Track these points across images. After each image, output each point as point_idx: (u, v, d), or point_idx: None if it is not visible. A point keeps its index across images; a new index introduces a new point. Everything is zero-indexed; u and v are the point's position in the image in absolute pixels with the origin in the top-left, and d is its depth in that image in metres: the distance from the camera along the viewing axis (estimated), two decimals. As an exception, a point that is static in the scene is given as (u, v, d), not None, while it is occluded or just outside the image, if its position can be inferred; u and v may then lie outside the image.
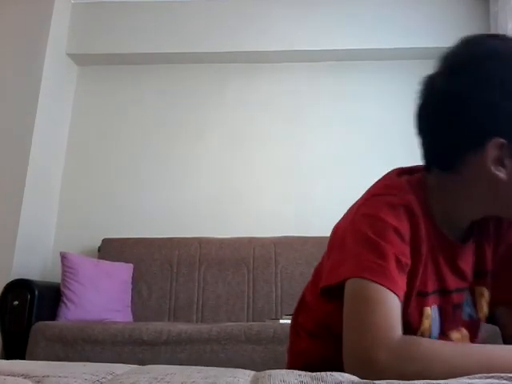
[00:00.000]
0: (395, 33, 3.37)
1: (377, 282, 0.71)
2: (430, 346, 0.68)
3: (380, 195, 0.83)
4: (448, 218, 0.84)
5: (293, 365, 0.94)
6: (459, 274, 0.87)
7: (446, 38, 3.60)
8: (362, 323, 0.70)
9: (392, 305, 0.71)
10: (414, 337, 0.71)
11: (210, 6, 3.51)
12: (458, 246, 0.86)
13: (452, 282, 0.86)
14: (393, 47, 3.38)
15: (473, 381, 0.50)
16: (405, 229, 0.78)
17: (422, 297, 0.83)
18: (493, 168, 0.74)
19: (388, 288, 0.71)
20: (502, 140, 0.73)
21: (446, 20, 3.33)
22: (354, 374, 0.61)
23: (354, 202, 0.92)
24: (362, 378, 0.60)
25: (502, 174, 0.74)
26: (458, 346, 0.71)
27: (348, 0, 3.47)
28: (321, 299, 0.87)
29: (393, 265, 0.73)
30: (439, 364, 0.64)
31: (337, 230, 0.91)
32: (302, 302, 0.99)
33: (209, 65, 3.57)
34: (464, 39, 0.86)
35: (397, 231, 0.76)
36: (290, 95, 3.50)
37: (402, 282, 0.75)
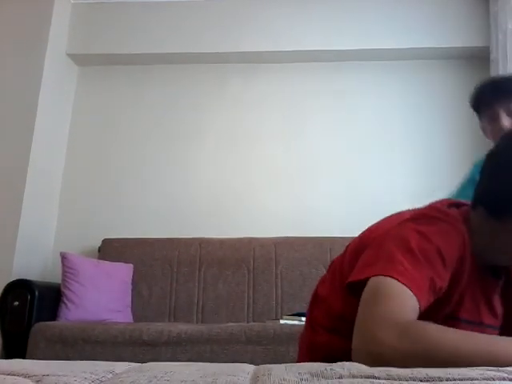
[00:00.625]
0: (394, 33, 3.36)
1: (403, 283, 0.74)
2: (439, 331, 0.70)
3: (436, 218, 0.86)
4: (481, 254, 0.88)
5: (312, 358, 0.95)
6: (492, 310, 0.91)
7: (446, 37, 3.62)
8: (375, 309, 0.72)
9: (411, 303, 0.73)
10: (425, 322, 0.72)
11: (208, 6, 3.51)
12: (492, 282, 0.91)
13: (486, 316, 0.90)
14: (391, 47, 3.38)
15: (472, 373, 0.50)
16: (451, 255, 0.81)
17: (452, 320, 0.85)
18: None
19: (412, 291, 0.74)
20: None
21: (445, 20, 3.33)
22: (359, 354, 0.64)
23: (393, 214, 0.96)
24: (367, 358, 0.64)
25: None
26: (467, 334, 0.71)
27: (347, 0, 3.47)
28: (342, 293, 0.90)
29: (426, 282, 0.77)
30: (444, 349, 0.65)
31: (369, 233, 0.94)
32: (315, 297, 1.01)
33: (208, 65, 3.57)
34: None
35: (440, 254, 0.80)
36: (289, 95, 3.50)
37: (428, 296, 0.77)
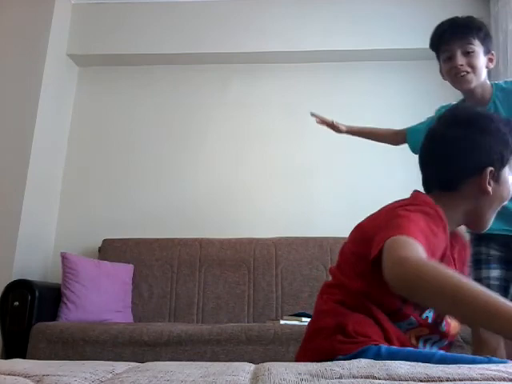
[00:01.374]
0: (394, 33, 3.37)
1: (412, 237, 0.91)
2: (445, 270, 0.83)
3: (420, 204, 1.08)
4: None
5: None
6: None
7: (447, 38, 3.57)
8: (395, 251, 0.88)
9: (421, 249, 0.90)
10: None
11: (210, 6, 3.51)
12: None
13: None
14: (392, 48, 3.38)
15: (471, 372, 0.50)
16: (443, 235, 1.04)
17: None
18: (487, 186, 1.11)
19: (420, 243, 0.91)
20: (492, 168, 1.12)
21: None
22: (390, 275, 0.84)
23: (384, 207, 1.16)
24: (397, 274, 0.84)
25: (490, 189, 1.12)
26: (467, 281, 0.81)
27: (348, 1, 3.47)
28: (362, 274, 1.06)
29: (425, 241, 0.95)
30: (444, 285, 0.79)
31: (363, 225, 1.13)
32: (326, 287, 1.17)
33: (209, 65, 3.57)
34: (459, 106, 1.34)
35: (433, 232, 1.00)
36: (291, 95, 3.50)
37: (429, 254, 0.94)
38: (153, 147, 3.49)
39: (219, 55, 3.50)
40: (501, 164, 1.14)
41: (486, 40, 1.79)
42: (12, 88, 3.20)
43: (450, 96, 3.42)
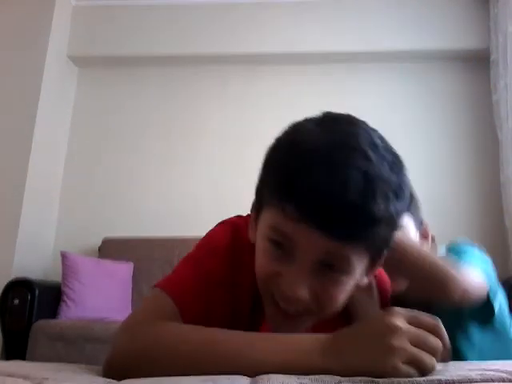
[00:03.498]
0: (394, 35, 3.36)
1: None
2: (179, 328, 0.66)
3: None
4: None
5: None
6: None
7: (446, 39, 3.59)
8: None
9: None
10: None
11: (209, 8, 3.50)
12: None
13: None
14: (392, 49, 3.38)
15: (471, 373, 0.50)
16: None
17: None
18: (250, 231, 0.81)
19: None
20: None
21: (445, 22, 3.32)
22: None
23: None
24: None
25: (250, 235, 0.80)
26: (208, 332, 0.63)
27: (347, 2, 3.46)
28: None
29: None
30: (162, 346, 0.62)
31: None
32: None
33: (209, 67, 3.57)
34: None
35: None
36: (290, 97, 3.49)
37: None
38: (152, 147, 3.49)
39: (218, 56, 3.49)
40: (259, 205, 0.78)
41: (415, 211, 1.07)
42: (12, 89, 3.20)
43: (451, 97, 3.42)
